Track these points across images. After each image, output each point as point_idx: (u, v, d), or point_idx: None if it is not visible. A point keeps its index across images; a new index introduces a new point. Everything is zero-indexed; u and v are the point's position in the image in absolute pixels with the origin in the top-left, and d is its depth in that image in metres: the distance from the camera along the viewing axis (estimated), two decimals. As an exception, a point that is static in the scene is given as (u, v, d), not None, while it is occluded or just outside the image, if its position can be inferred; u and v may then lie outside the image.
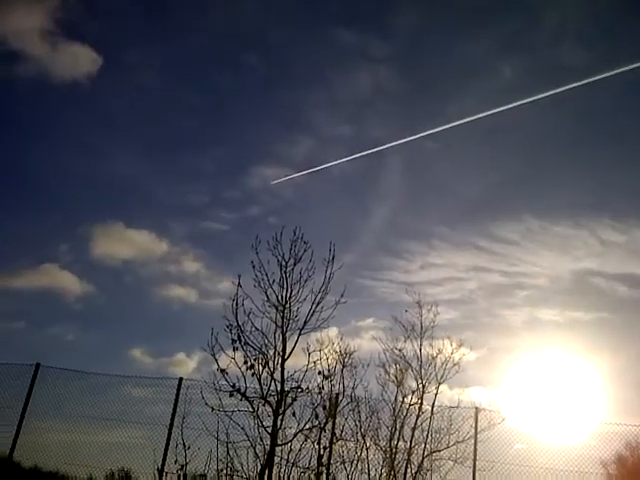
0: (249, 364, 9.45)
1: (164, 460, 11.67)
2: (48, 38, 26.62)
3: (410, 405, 12.61)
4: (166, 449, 11.87)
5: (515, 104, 21.33)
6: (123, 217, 27.74)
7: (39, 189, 28.27)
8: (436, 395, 12.64)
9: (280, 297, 9.73)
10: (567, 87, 20.61)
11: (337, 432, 12.02)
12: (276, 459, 9.56)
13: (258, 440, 9.49)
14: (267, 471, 9.25)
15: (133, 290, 28.53)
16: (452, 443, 12.14)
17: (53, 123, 28.01)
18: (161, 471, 11.39)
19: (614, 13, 24.24)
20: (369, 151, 24.42)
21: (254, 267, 9.72)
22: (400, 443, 12.34)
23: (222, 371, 9.41)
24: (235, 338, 9.49)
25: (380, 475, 12.17)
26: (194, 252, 29.00)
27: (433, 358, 12.88)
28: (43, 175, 28.29)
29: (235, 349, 9.48)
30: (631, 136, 25.07)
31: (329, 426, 11.30)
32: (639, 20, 23.20)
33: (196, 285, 28.92)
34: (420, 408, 12.51)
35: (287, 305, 9.71)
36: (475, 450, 11.83)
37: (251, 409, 9.47)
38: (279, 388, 9.43)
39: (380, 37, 27.70)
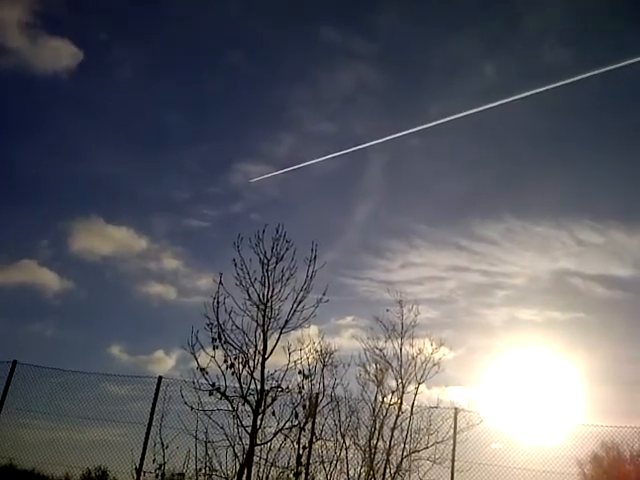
0: (229, 363, 9.40)
1: (142, 459, 11.59)
2: (27, 31, 26.32)
3: (390, 405, 12.64)
4: (144, 448, 11.78)
5: (497, 103, 21.44)
6: (103, 213, 27.54)
7: (18, 184, 27.92)
8: (416, 395, 12.70)
9: (262, 295, 9.68)
10: (548, 87, 20.76)
11: (317, 432, 12.00)
12: (255, 459, 9.52)
13: (237, 439, 9.43)
14: (246, 471, 9.21)
15: (112, 287, 28.32)
16: (431, 443, 12.18)
17: (33, 117, 27.74)
18: (139, 470, 11.29)
19: (593, 14, 24.58)
20: (352, 149, 24.39)
21: (236, 265, 9.67)
22: (379, 443, 12.37)
23: (202, 370, 9.36)
24: (215, 337, 9.45)
25: (359, 475, 12.18)
26: (174, 249, 28.87)
27: (413, 358, 12.92)
28: (23, 170, 27.97)
29: (215, 348, 9.45)
30: (612, 137, 25.39)
31: (309, 426, 11.27)
32: (618, 21, 23.52)
33: (175, 282, 28.77)
34: (400, 408, 12.54)
35: (268, 304, 9.67)
36: (454, 451, 11.88)
37: (231, 408, 9.42)
38: (259, 387, 9.39)
39: (364, 35, 27.79)
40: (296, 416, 9.83)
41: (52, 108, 27.83)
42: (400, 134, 23.66)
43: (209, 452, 9.60)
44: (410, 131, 23.45)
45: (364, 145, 24.00)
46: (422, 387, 12.83)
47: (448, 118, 22.31)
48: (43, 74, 27.18)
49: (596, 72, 20.03)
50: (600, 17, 24.40)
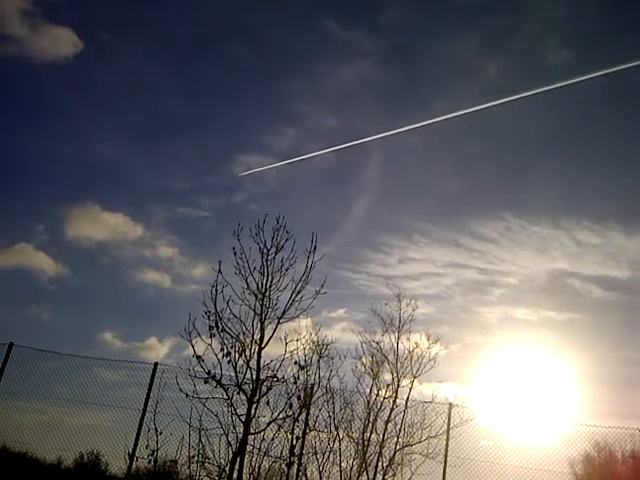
0: (226, 351, 9.40)
1: (135, 444, 11.59)
2: (28, 19, 26.26)
3: (384, 398, 12.65)
4: (138, 433, 11.78)
5: (498, 102, 21.40)
6: (100, 199, 27.55)
7: (16, 169, 27.91)
8: (411, 389, 12.71)
9: (260, 285, 9.68)
10: (549, 87, 20.77)
11: (310, 423, 12.03)
12: (248, 448, 9.53)
13: (231, 428, 9.45)
14: (239, 459, 9.22)
15: (107, 273, 28.44)
16: (424, 438, 12.20)
17: (31, 104, 27.66)
18: (132, 455, 11.30)
19: (595, 16, 24.67)
20: (352, 143, 24.34)
21: (235, 254, 9.66)
22: (373, 436, 12.39)
23: (198, 357, 9.35)
24: (213, 325, 9.44)
25: (351, 467, 12.21)
26: (169, 237, 28.90)
27: (409, 352, 12.92)
28: (20, 155, 27.92)
29: (212, 336, 9.43)
30: (612, 139, 25.43)
31: (303, 416, 11.29)
32: (620, 24, 23.58)
33: (170, 270, 28.83)
34: (394, 402, 12.55)
35: (267, 293, 9.66)
36: (447, 446, 11.89)
37: (225, 396, 9.42)
38: (254, 376, 9.39)
39: (367, 32, 27.85)
40: (290, 406, 9.83)
41: (51, 95, 27.85)
42: (400, 130, 23.61)
43: (202, 439, 9.62)
44: (411, 127, 23.41)
45: (364, 140, 23.91)
46: (415, 383, 12.86)
47: (449, 115, 22.29)
48: (43, 61, 27.22)
49: (597, 74, 20.05)
50: (602, 20, 24.52)
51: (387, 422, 12.40)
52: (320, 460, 12.13)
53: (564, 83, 20.55)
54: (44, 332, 24.24)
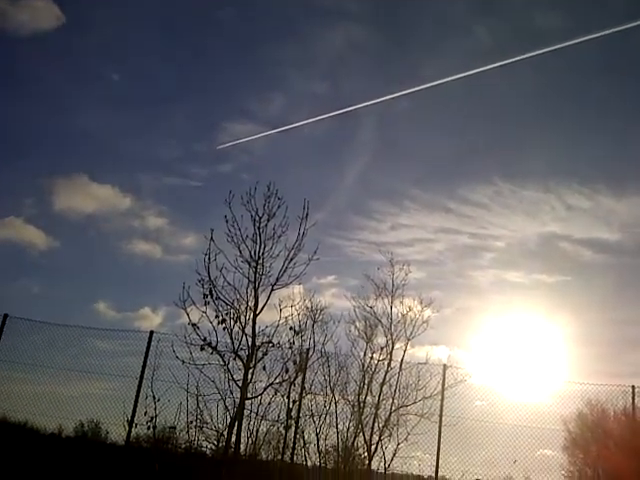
0: (221, 318, 9.44)
1: (134, 412, 11.73)
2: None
3: (379, 361, 12.78)
4: (136, 401, 11.92)
5: (488, 67, 21.21)
6: (88, 170, 27.29)
7: (2, 143, 27.60)
8: (405, 351, 12.83)
9: (253, 252, 9.69)
10: (539, 51, 20.60)
11: (306, 386, 12.19)
12: (246, 412, 9.65)
13: (228, 393, 9.54)
14: (237, 424, 9.34)
15: (97, 245, 28.37)
16: (419, 399, 12.37)
17: (16, 74, 27.22)
18: (131, 422, 11.44)
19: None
20: (342, 110, 24.12)
21: (227, 222, 9.64)
22: (368, 398, 12.55)
23: (193, 325, 9.40)
24: (207, 293, 9.47)
25: (348, 429, 12.40)
26: (159, 207, 28.80)
27: (403, 316, 13.01)
28: (6, 129, 27.55)
29: (207, 303, 9.47)
30: (601, 101, 25.32)
31: (299, 380, 11.44)
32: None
33: (160, 241, 28.79)
34: (389, 364, 12.69)
35: (260, 261, 9.68)
36: (442, 406, 12.08)
37: (222, 363, 9.50)
38: (250, 342, 9.46)
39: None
40: (286, 371, 9.91)
41: (35, 67, 27.37)
42: (391, 96, 23.40)
43: (200, 405, 9.72)
44: (401, 93, 23.19)
45: (355, 107, 23.66)
46: (409, 346, 12.97)
47: (439, 81, 22.07)
48: (27, 33, 26.70)
49: (587, 37, 19.91)
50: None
51: (382, 384, 12.55)
52: (317, 422, 12.33)
53: (555, 47, 20.39)
54: (36, 305, 24.32)
